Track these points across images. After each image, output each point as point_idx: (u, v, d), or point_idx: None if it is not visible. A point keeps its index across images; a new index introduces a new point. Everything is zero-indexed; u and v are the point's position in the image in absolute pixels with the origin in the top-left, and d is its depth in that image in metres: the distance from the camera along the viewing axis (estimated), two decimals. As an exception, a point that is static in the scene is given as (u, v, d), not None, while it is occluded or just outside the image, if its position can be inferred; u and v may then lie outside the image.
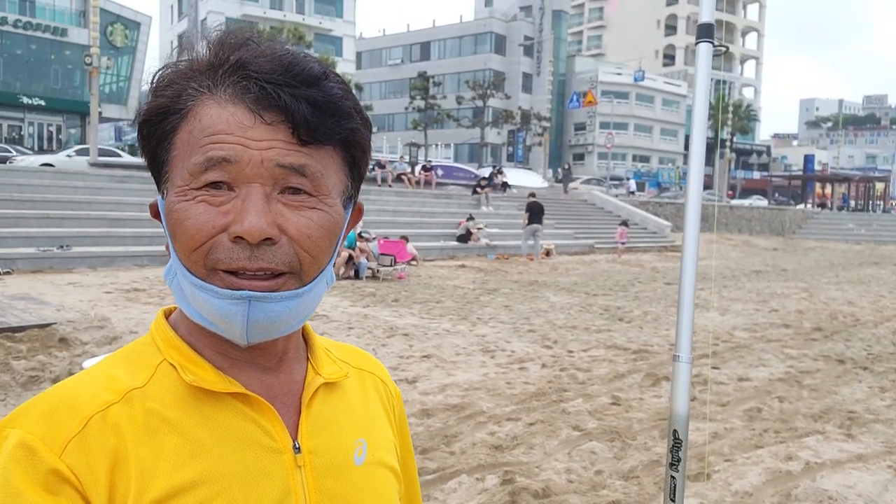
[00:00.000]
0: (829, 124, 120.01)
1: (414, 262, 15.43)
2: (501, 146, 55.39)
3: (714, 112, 64.00)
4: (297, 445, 0.72)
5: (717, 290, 13.76)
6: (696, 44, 1.15)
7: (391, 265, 13.25)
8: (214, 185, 0.65)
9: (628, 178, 46.96)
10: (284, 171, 0.65)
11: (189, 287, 0.68)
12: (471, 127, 44.03)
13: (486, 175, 28.02)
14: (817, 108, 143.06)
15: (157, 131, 0.69)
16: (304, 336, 0.81)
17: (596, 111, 54.65)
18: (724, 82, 73.32)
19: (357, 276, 13.08)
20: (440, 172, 29.19)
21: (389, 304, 10.45)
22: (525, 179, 33.82)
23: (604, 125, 56.31)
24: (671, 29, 76.35)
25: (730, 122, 57.68)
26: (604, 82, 60.50)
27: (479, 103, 43.11)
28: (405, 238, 16.08)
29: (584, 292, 12.68)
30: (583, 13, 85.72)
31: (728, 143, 58.23)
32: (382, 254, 13.45)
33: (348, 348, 0.90)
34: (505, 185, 27.94)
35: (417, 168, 27.90)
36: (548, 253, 19.82)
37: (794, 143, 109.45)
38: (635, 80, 59.98)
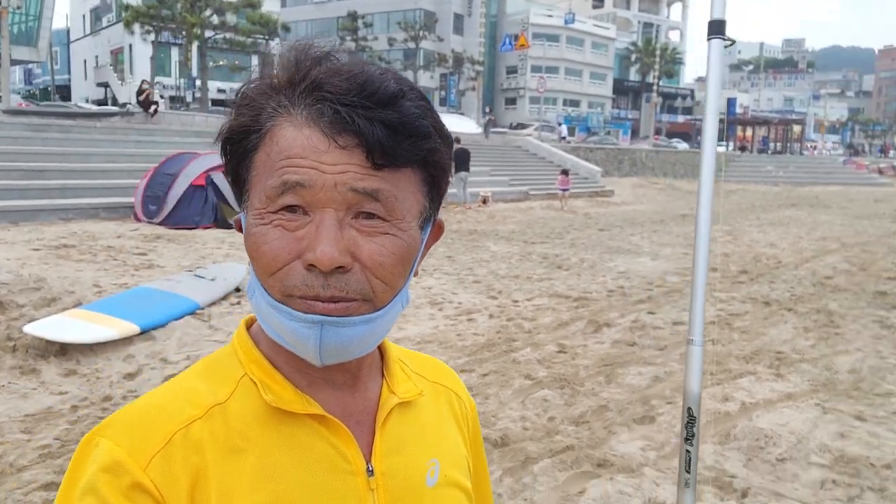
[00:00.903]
0: (751, 67, 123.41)
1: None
2: (434, 90, 54.78)
3: (641, 56, 64.98)
4: (371, 468, 0.73)
5: (647, 235, 14.24)
6: (709, 40, 1.20)
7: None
8: (290, 208, 0.66)
9: (560, 124, 47.37)
10: (358, 196, 0.65)
11: (266, 307, 0.69)
12: (403, 70, 43.26)
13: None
14: (739, 52, 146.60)
15: (238, 149, 0.70)
16: (380, 349, 0.82)
17: (527, 54, 54.51)
18: (652, 25, 74.09)
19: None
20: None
21: (331, 255, 10.41)
22: (459, 125, 33.63)
23: (535, 69, 56.32)
24: (601, -30, 76.18)
25: (657, 66, 58.64)
26: (535, 24, 60.20)
27: (412, 45, 42.30)
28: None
29: (522, 241, 12.91)
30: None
31: (655, 87, 59.30)
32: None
33: (424, 359, 0.90)
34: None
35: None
36: (484, 201, 19.98)
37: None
38: (566, 22, 59.94)
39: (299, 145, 0.65)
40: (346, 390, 0.75)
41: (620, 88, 69.89)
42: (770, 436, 4.24)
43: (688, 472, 1.24)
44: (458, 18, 59.11)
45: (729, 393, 5.00)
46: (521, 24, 57.88)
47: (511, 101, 63.09)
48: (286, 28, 28.73)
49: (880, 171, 48.72)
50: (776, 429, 4.36)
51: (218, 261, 9.13)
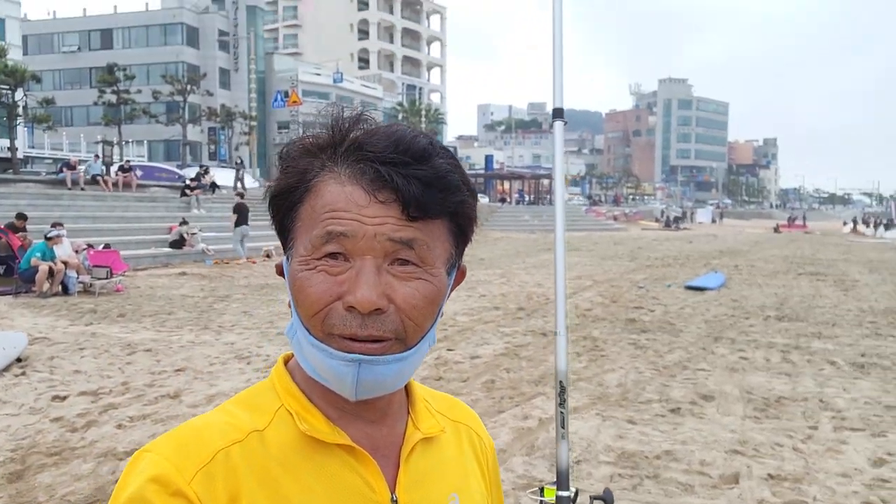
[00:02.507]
0: (503, 127, 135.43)
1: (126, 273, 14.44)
2: (201, 144, 52.94)
3: (408, 115, 68.61)
4: (395, 498, 0.78)
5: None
6: (552, 124, 1.71)
7: (107, 277, 12.28)
8: (332, 255, 0.72)
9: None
10: (395, 245, 0.71)
11: (307, 346, 0.74)
12: (169, 124, 41.37)
13: (193, 176, 26.87)
14: (492, 113, 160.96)
15: (284, 203, 0.76)
16: (407, 389, 0.87)
17: (299, 110, 55.01)
18: (415, 87, 78.65)
19: (66, 291, 11.90)
20: (139, 173, 27.17)
21: (115, 319, 9.80)
22: (231, 180, 32.89)
23: (307, 125, 56.69)
24: (364, 34, 79.48)
25: (423, 125, 62.24)
26: (304, 82, 61.01)
27: (179, 98, 40.66)
28: (108, 246, 15.03)
29: (315, 292, 13.08)
30: (277, 10, 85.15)
31: (422, 144, 62.75)
32: (96, 265, 12.39)
33: (445, 399, 0.96)
34: (214, 186, 27.01)
35: (114, 169, 25.64)
36: (268, 255, 19.81)
37: (476, 144, 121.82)
38: (335, 81, 61.61)
39: (343, 200, 0.71)
40: (374, 425, 0.80)
41: (390, 145, 72.66)
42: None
43: (563, 427, 1.69)
44: (225, 73, 58.09)
45: (527, 412, 5.69)
46: (291, 81, 58.35)
47: (284, 157, 62.71)
48: (36, 78, 26.32)
49: (615, 218, 56.10)
50: (569, 437, 5.09)
51: (-17, 332, 8.22)
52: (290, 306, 0.77)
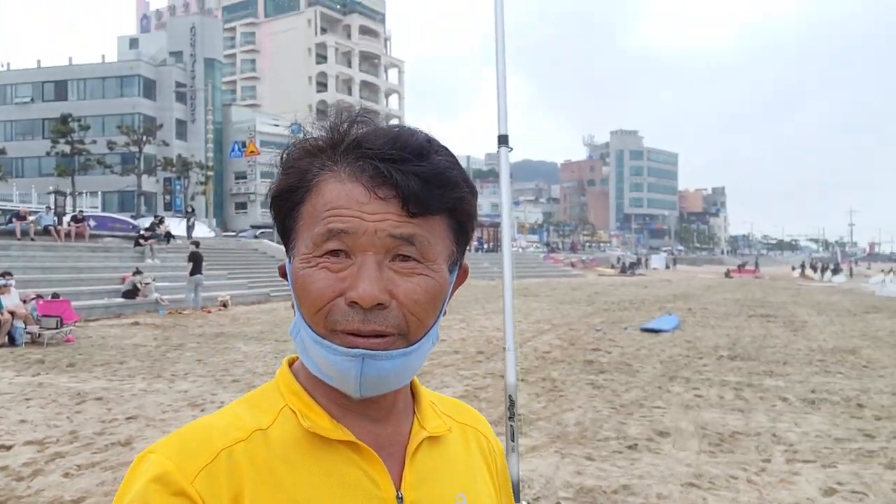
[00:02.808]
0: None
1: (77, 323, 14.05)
2: (156, 195, 52.35)
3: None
4: (401, 495, 0.76)
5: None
6: (498, 150, 1.80)
7: (57, 327, 11.94)
8: (334, 252, 0.71)
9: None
10: (395, 241, 0.71)
11: (310, 343, 0.73)
12: (124, 174, 40.85)
13: (148, 225, 26.50)
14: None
15: (286, 204, 0.76)
16: (413, 390, 0.86)
17: (256, 160, 54.94)
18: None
19: (13, 342, 11.52)
20: (93, 223, 26.65)
21: (65, 369, 9.52)
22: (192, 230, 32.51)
23: (265, 175, 56.78)
24: (322, 86, 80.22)
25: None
26: (262, 132, 61.11)
27: (135, 149, 40.28)
28: (56, 296, 14.64)
29: (273, 339, 12.90)
30: (235, 63, 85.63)
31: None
32: (45, 315, 12.05)
33: (452, 402, 0.95)
34: (168, 236, 26.63)
35: (66, 219, 25.11)
36: (224, 304, 19.51)
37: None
38: (293, 132, 61.45)
39: (343, 197, 0.71)
40: (379, 424, 0.79)
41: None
42: (524, 480, 4.95)
43: (512, 440, 1.72)
44: (182, 124, 57.96)
45: (487, 452, 5.68)
46: (248, 132, 58.44)
47: (242, 206, 62.47)
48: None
49: (573, 265, 56.90)
50: (528, 474, 5.10)
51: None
52: (293, 307, 0.76)
